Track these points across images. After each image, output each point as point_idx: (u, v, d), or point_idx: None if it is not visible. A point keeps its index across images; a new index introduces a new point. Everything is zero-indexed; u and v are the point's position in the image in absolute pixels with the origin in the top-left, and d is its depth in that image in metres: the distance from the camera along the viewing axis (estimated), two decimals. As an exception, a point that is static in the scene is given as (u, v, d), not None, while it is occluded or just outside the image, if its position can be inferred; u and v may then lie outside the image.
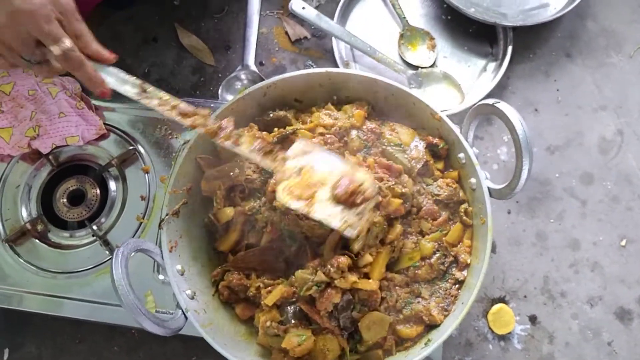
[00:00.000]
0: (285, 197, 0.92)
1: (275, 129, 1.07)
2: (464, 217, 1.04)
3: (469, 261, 1.02)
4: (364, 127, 1.05)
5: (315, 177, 0.93)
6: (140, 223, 1.22)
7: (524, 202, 1.32)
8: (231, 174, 1.03)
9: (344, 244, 0.97)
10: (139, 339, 1.29)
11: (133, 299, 0.85)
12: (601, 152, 1.35)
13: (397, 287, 1.01)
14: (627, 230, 1.30)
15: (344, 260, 0.93)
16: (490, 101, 0.93)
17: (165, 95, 0.93)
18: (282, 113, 1.10)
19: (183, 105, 0.93)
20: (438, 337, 0.94)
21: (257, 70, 1.38)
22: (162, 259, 0.99)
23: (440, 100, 1.36)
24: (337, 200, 0.92)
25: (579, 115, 1.38)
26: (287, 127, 1.07)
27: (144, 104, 0.91)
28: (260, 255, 1.03)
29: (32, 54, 0.87)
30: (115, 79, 0.92)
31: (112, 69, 0.92)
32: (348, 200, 0.92)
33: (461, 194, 1.05)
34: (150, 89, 0.93)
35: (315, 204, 0.91)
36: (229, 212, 1.04)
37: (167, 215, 1.02)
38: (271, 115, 1.10)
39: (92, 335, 1.30)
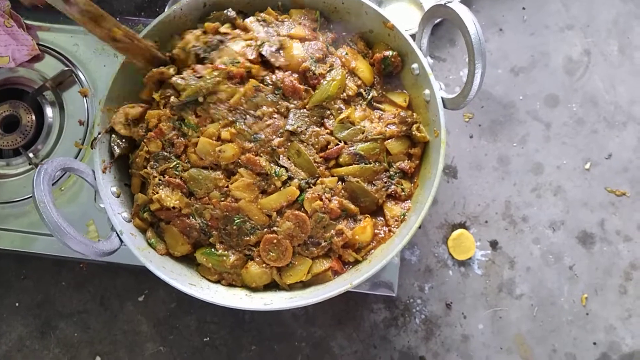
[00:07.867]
0: None
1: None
2: (415, 132, 0.97)
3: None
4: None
5: None
6: (80, 150, 1.15)
7: (486, 126, 1.27)
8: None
9: None
10: (87, 274, 1.24)
11: (56, 217, 0.78)
12: (567, 73, 1.30)
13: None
14: (591, 153, 1.26)
15: None
16: (442, 1, 0.86)
17: None
18: (222, 13, 1.00)
19: None
20: (387, 254, 0.90)
21: (207, -11, 1.28)
22: (95, 179, 0.92)
23: (401, 19, 1.27)
24: None
25: (545, 35, 1.32)
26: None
27: None
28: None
29: None
30: None
31: None
32: None
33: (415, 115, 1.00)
34: None
35: None
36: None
37: (99, 133, 0.95)
38: (211, 16, 1.01)
39: (37, 271, 1.24)
